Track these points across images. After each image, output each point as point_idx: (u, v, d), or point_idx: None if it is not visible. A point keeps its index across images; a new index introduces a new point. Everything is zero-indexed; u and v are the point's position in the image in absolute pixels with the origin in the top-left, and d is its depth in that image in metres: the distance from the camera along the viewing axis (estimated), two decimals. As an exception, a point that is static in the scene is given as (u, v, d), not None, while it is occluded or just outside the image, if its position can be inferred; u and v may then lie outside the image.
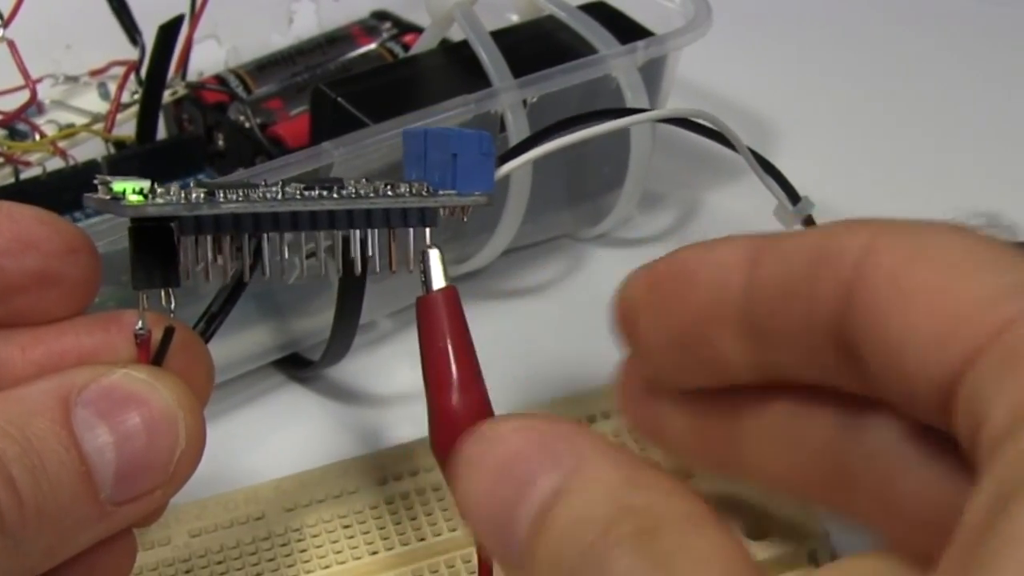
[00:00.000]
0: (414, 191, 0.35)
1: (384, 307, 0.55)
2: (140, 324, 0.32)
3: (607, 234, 0.60)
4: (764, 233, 0.29)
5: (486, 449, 0.28)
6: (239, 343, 0.51)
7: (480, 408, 0.36)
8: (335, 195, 0.33)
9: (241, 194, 0.32)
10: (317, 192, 0.33)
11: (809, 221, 0.53)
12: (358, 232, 0.34)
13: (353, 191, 0.34)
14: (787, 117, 0.67)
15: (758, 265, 0.29)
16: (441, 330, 0.35)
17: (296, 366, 0.54)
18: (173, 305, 0.32)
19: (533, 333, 0.56)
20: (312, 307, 0.52)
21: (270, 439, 0.51)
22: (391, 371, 0.54)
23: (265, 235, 0.33)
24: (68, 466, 0.30)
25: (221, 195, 0.32)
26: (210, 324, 0.37)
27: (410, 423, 0.51)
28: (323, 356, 0.51)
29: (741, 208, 0.61)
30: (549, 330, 0.56)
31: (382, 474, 0.46)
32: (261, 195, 0.32)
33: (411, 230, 0.35)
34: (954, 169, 0.65)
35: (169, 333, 0.32)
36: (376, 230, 0.35)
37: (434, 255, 0.36)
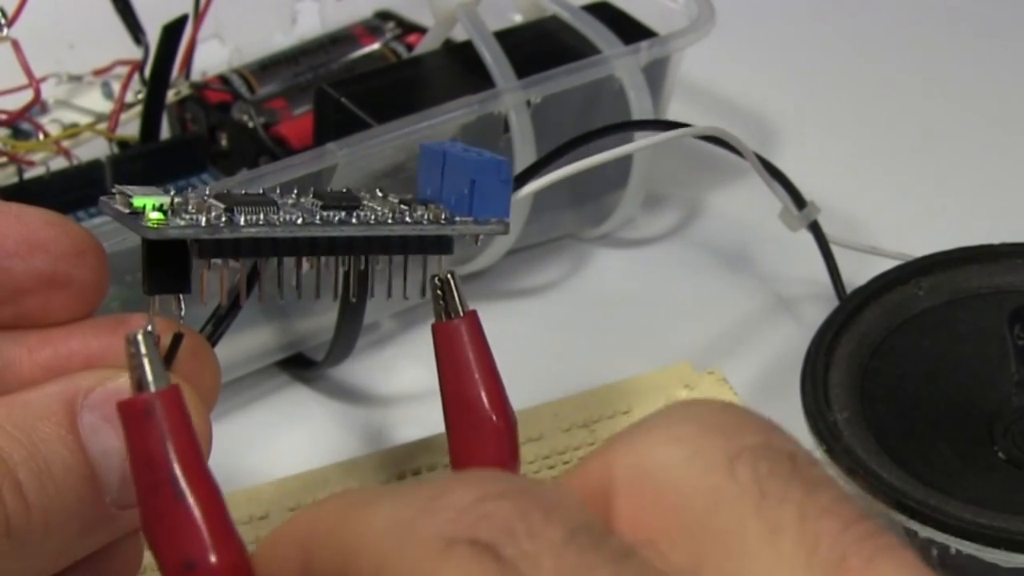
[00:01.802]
0: (431, 217, 0.35)
1: (387, 308, 0.55)
2: (149, 329, 0.32)
3: (610, 234, 0.60)
4: (309, 533, 0.26)
5: None
6: (243, 343, 0.51)
7: (513, 429, 0.37)
8: (353, 219, 0.33)
9: (261, 217, 0.32)
10: (335, 216, 0.33)
11: (815, 226, 0.53)
12: (375, 257, 0.35)
13: (370, 215, 0.34)
14: (790, 117, 0.67)
15: None
16: (471, 359, 0.36)
17: (300, 366, 0.54)
18: (183, 311, 0.32)
19: (537, 333, 0.56)
20: (316, 308, 0.52)
21: (274, 439, 0.52)
22: (394, 371, 0.54)
23: (283, 259, 0.33)
24: (74, 470, 0.30)
25: (241, 217, 0.32)
26: (217, 327, 0.37)
27: (413, 423, 0.51)
28: (327, 356, 0.51)
29: (744, 209, 0.61)
30: (553, 330, 0.56)
31: (385, 473, 0.46)
32: (281, 218, 0.32)
33: (425, 256, 0.35)
34: (958, 170, 0.65)
35: (178, 339, 0.32)
36: (392, 256, 0.35)
37: (452, 280, 0.36)
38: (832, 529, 0.22)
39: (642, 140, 0.48)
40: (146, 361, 0.28)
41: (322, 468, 0.46)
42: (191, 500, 0.27)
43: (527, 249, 0.59)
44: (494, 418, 0.36)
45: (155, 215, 0.31)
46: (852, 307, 0.48)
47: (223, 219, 0.31)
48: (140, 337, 0.28)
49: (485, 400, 0.36)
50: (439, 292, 0.36)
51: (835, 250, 0.53)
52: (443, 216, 0.35)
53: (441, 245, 0.35)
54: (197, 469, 0.28)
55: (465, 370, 0.36)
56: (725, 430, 0.24)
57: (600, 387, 0.49)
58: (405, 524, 0.23)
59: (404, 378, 0.54)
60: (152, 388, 0.28)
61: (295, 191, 0.34)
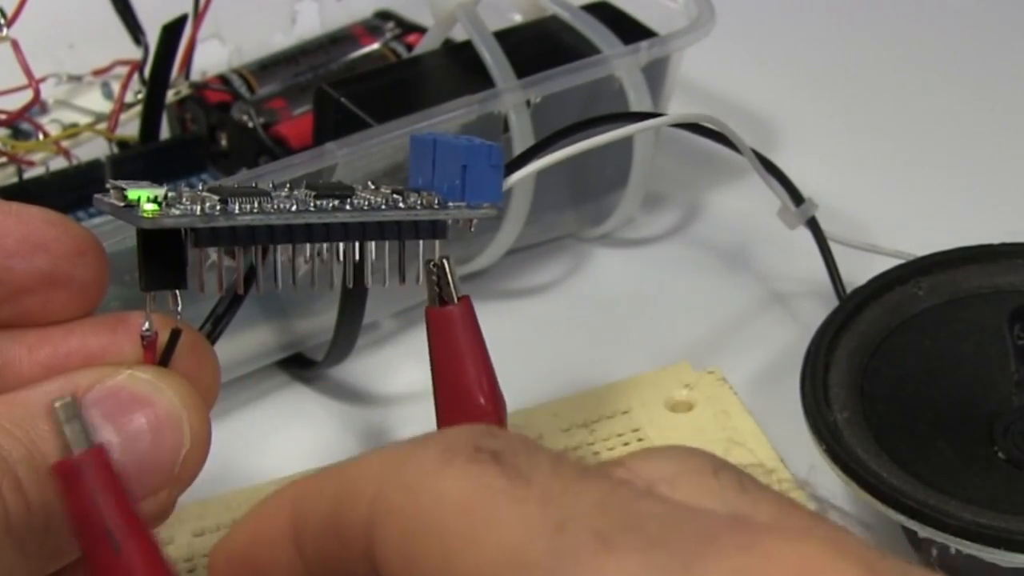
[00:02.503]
0: (424, 203, 0.35)
1: (387, 307, 0.55)
2: (147, 325, 0.33)
3: (610, 234, 0.60)
4: (302, 487, 0.27)
5: None
6: (243, 342, 0.51)
7: (502, 414, 0.37)
8: (347, 207, 0.33)
9: (256, 205, 0.32)
10: (329, 203, 0.33)
11: (812, 223, 0.53)
12: (370, 244, 0.35)
13: (364, 202, 0.34)
14: (790, 117, 0.67)
15: (301, 540, 0.27)
16: (463, 345, 0.36)
17: (300, 366, 0.54)
18: (180, 307, 0.32)
19: (536, 333, 0.56)
20: (316, 307, 0.52)
21: (273, 438, 0.51)
22: (394, 371, 0.54)
23: (279, 247, 0.33)
24: None
25: (236, 206, 0.32)
26: (216, 325, 0.37)
27: (412, 422, 0.51)
28: (327, 356, 0.51)
29: (744, 208, 0.61)
30: (552, 330, 0.56)
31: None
32: (275, 206, 0.32)
33: (420, 241, 0.35)
34: (958, 168, 0.65)
35: (175, 335, 0.32)
36: (387, 242, 0.35)
37: (447, 266, 0.36)
38: None
39: (637, 124, 0.48)
40: (66, 428, 0.29)
41: (321, 467, 0.46)
42: (128, 550, 0.28)
43: (527, 249, 0.59)
44: (482, 402, 0.36)
45: (150, 206, 0.31)
46: (852, 307, 0.48)
47: (218, 208, 0.31)
48: (58, 407, 0.29)
49: (474, 384, 0.36)
50: (434, 277, 0.36)
51: (834, 249, 0.53)
52: (436, 202, 0.35)
53: (435, 230, 0.36)
54: (130, 521, 0.29)
55: (456, 355, 0.36)
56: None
57: (600, 387, 0.49)
58: (399, 457, 0.24)
59: (404, 378, 0.53)
60: (74, 451, 0.29)
61: (287, 184, 0.34)
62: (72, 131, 0.59)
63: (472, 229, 0.37)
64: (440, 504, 0.23)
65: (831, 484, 0.45)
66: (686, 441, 0.46)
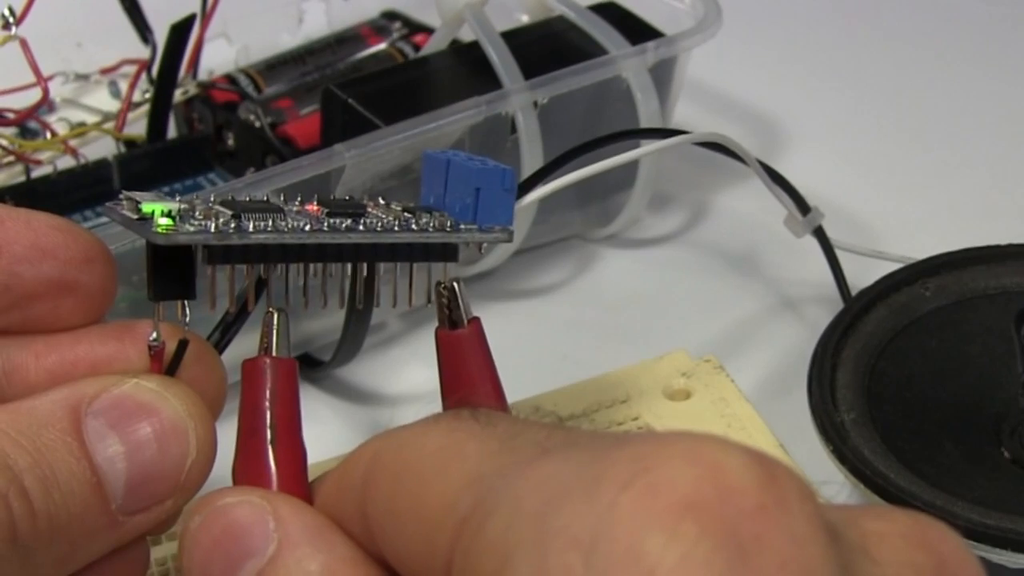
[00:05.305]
0: (436, 225, 0.35)
1: (394, 309, 0.55)
2: (154, 335, 0.33)
3: (617, 235, 0.60)
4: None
5: (204, 524, 0.29)
6: (250, 343, 0.51)
7: None
8: (360, 227, 0.33)
9: (269, 223, 0.32)
10: (342, 223, 0.33)
11: (819, 231, 0.53)
12: (381, 265, 0.35)
13: (376, 221, 0.34)
14: (796, 118, 0.67)
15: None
16: (473, 369, 0.36)
17: (307, 366, 0.54)
18: (188, 318, 0.32)
19: (543, 333, 0.56)
20: (323, 309, 0.52)
21: (280, 439, 0.51)
22: (401, 371, 0.54)
23: (291, 266, 0.33)
24: (79, 476, 0.30)
25: (249, 223, 0.32)
26: (225, 334, 0.37)
27: (419, 423, 0.51)
28: (334, 356, 0.51)
29: (750, 209, 0.61)
30: (559, 330, 0.56)
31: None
32: (288, 225, 0.32)
33: (431, 264, 0.35)
34: (964, 172, 0.65)
35: (183, 345, 0.32)
36: (398, 264, 0.35)
37: (457, 288, 0.36)
38: None
39: (643, 148, 0.48)
40: (275, 333, 0.33)
41: (328, 463, 0.46)
42: (278, 448, 0.32)
43: (534, 249, 0.59)
44: None
45: (164, 221, 0.31)
46: (859, 308, 0.48)
47: (232, 225, 0.31)
48: (276, 314, 0.33)
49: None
50: (444, 300, 0.36)
51: (840, 254, 0.53)
52: (448, 224, 0.35)
53: (446, 253, 0.35)
54: (291, 428, 0.32)
55: (465, 380, 0.36)
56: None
57: (598, 376, 0.49)
58: (397, 429, 0.28)
59: (411, 378, 0.54)
60: (274, 354, 0.32)
61: (299, 198, 0.34)
62: (80, 130, 0.59)
63: (482, 252, 0.37)
64: (421, 451, 0.26)
65: (837, 484, 0.45)
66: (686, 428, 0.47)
